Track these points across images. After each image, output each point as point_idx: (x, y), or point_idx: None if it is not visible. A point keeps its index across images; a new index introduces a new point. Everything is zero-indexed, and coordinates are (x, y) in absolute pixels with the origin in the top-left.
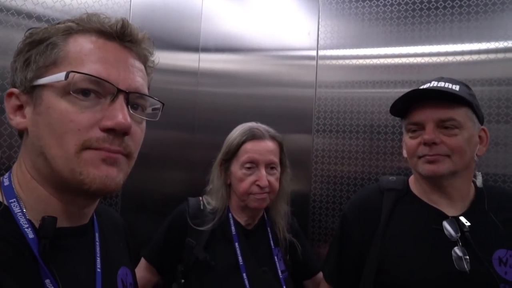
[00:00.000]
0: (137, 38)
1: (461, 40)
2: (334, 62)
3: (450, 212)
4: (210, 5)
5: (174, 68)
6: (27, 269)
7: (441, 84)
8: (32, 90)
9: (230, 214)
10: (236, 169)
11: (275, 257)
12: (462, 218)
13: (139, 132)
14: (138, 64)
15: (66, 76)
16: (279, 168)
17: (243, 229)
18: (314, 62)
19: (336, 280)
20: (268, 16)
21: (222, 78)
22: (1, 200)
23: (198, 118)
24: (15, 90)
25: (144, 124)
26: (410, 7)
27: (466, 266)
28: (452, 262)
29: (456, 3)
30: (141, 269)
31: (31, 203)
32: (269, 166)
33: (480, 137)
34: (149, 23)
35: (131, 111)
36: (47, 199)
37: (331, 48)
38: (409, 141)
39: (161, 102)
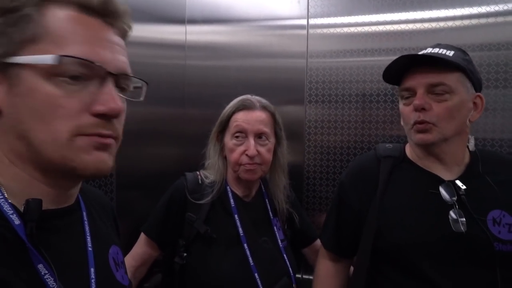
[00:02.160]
0: (119, 13)
1: (453, 5)
2: (325, 30)
3: (446, 176)
4: None
5: (161, 42)
6: (17, 256)
7: (436, 50)
8: (3, 67)
9: (228, 187)
10: (228, 140)
11: (274, 227)
12: (458, 182)
13: (123, 113)
14: (121, 42)
15: (58, 60)
16: (272, 139)
17: (241, 201)
18: (304, 32)
19: (334, 247)
20: None
21: (210, 50)
22: None
23: (188, 92)
24: None
25: (125, 103)
26: None
27: (462, 228)
28: (449, 225)
29: None
30: (142, 245)
31: (12, 188)
32: (258, 135)
33: (475, 103)
34: None
35: (118, 94)
36: (30, 183)
37: (322, 16)
38: (403, 108)
39: (145, 81)
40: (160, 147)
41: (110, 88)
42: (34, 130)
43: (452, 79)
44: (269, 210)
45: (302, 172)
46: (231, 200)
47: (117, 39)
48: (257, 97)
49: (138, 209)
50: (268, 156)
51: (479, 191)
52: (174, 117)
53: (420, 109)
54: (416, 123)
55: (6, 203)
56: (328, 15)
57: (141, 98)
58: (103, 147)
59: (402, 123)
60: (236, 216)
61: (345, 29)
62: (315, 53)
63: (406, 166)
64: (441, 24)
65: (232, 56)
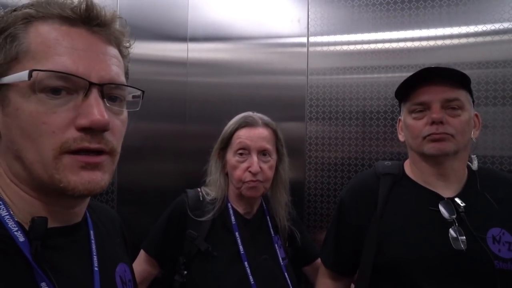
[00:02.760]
0: (105, 20)
1: (450, 24)
2: (325, 48)
3: (445, 193)
4: None
5: (163, 59)
6: (20, 274)
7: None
8: None
9: (229, 204)
10: (230, 156)
11: (275, 245)
12: (457, 199)
13: (119, 124)
14: (110, 50)
15: (30, 76)
16: (274, 156)
17: (242, 218)
18: (305, 49)
19: (334, 265)
20: (257, 3)
21: (211, 67)
22: None
23: (189, 109)
24: None
25: (125, 114)
26: None
27: (462, 246)
28: (449, 242)
29: None
30: (142, 262)
31: (17, 205)
32: (262, 152)
33: (473, 121)
34: (137, 14)
35: (107, 104)
36: (31, 202)
37: (322, 34)
38: (413, 122)
39: (140, 89)
40: (161, 163)
41: (94, 99)
42: (25, 150)
43: (463, 96)
44: (270, 228)
45: (302, 188)
46: (232, 217)
47: (105, 47)
48: (259, 114)
49: (138, 225)
50: (270, 173)
51: (478, 208)
52: (175, 133)
53: (439, 122)
54: (432, 134)
55: (12, 220)
56: (328, 33)
57: (138, 108)
58: (92, 167)
59: (402, 139)
60: (236, 233)
61: (345, 47)
62: (315, 70)
63: (405, 183)
64: (439, 42)
65: (233, 73)
